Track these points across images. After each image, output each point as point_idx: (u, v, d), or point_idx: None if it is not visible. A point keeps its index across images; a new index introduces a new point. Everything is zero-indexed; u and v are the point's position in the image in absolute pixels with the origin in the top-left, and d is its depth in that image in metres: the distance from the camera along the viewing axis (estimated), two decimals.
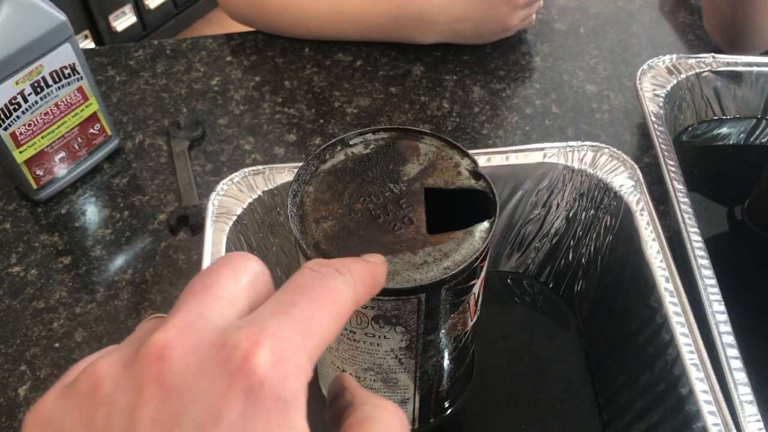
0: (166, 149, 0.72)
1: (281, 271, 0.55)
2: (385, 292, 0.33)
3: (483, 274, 0.39)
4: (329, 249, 0.35)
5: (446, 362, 0.43)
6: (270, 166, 0.49)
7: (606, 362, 0.52)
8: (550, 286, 0.59)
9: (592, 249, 0.54)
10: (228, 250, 0.47)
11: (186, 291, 0.20)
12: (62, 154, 0.66)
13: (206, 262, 0.46)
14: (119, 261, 0.61)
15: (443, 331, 0.39)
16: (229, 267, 0.21)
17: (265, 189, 0.49)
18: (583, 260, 0.55)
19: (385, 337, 0.37)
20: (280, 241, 0.52)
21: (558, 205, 0.55)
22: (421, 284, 0.33)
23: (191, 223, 0.62)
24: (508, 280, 0.60)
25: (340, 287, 0.22)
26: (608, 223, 0.52)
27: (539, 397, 0.53)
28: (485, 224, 0.37)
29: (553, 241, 0.57)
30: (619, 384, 0.49)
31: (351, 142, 0.40)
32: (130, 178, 0.70)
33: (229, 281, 0.21)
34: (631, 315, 0.48)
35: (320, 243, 0.35)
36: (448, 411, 0.48)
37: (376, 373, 0.41)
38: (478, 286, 0.39)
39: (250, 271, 0.22)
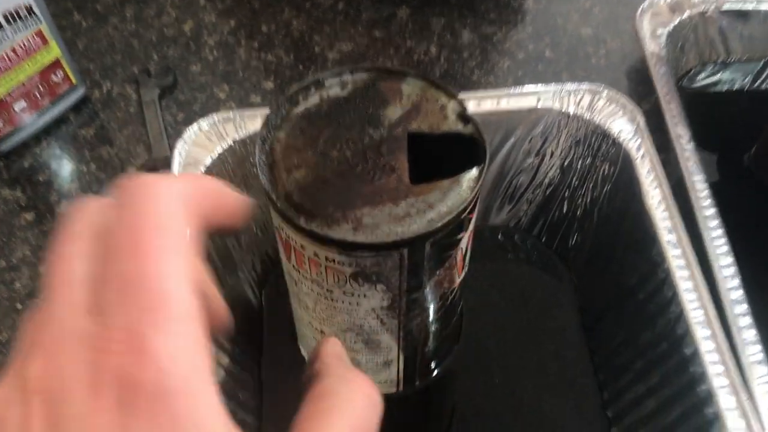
0: (136, 98, 0.68)
1: (256, 226, 0.51)
2: (364, 247, 0.30)
3: (471, 227, 0.36)
4: (302, 201, 0.31)
5: (432, 321, 0.41)
6: (241, 111, 0.45)
7: (603, 320, 0.49)
8: (543, 239, 0.56)
9: (588, 200, 0.52)
10: None
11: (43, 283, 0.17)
12: (23, 103, 0.62)
13: None
14: None
15: (428, 288, 0.36)
16: (69, 232, 0.18)
17: (237, 138, 0.46)
18: (578, 212, 0.53)
19: (364, 296, 0.35)
20: (254, 195, 0.47)
21: (552, 153, 0.52)
22: (402, 238, 0.31)
23: None
24: (499, 235, 0.57)
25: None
26: (606, 172, 0.50)
27: (532, 357, 0.51)
28: (473, 172, 0.34)
29: (547, 192, 0.55)
30: (617, 343, 0.47)
31: (326, 83, 0.36)
32: (98, 129, 0.67)
33: (74, 257, 0.17)
34: (630, 270, 0.45)
35: (292, 194, 0.32)
36: (435, 372, 0.45)
37: (356, 334, 0.39)
38: (465, 240, 0.36)
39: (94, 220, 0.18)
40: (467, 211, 0.33)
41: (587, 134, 0.49)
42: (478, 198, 0.35)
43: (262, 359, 0.52)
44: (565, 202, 0.53)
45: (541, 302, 0.55)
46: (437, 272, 0.36)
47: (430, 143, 0.35)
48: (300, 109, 0.35)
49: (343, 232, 0.31)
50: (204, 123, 0.45)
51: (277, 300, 0.54)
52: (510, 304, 0.55)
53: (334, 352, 0.25)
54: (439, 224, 0.31)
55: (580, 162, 0.51)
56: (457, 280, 0.39)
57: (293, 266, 0.35)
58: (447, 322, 0.43)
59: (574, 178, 0.52)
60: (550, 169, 0.52)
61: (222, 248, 0.49)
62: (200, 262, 0.19)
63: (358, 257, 0.32)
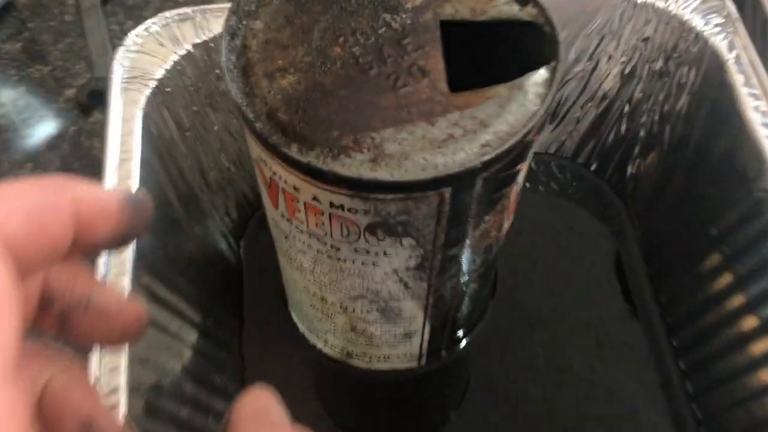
0: (73, 3, 0.62)
1: (227, 160, 0.43)
2: (387, 186, 0.23)
3: (532, 153, 0.30)
4: (293, 120, 0.24)
5: (470, 281, 0.34)
6: (202, 7, 0.40)
7: (676, 273, 0.41)
8: (593, 168, 0.48)
9: (656, 117, 0.46)
10: (145, 130, 0.35)
11: None
12: None
13: (112, 156, 0.33)
14: (16, 152, 0.53)
15: (471, 240, 0.30)
16: None
17: (197, 41, 0.40)
18: (641, 132, 0.47)
19: (384, 254, 0.28)
20: (224, 118, 0.44)
21: (610, 56, 0.46)
22: (446, 173, 0.23)
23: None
24: (533, 163, 0.49)
25: None
26: (684, 79, 0.43)
27: (579, 318, 0.43)
28: (542, 73, 0.26)
29: (600, 108, 0.48)
30: (697, 303, 0.39)
31: None
32: (26, 42, 0.60)
33: None
34: (719, 209, 0.37)
35: (277, 111, 0.25)
36: (464, 341, 0.40)
37: (370, 302, 0.32)
38: (524, 171, 0.29)
39: None
40: (533, 130, 0.26)
41: (659, 28, 0.43)
42: (550, 111, 0.26)
43: (243, 331, 0.47)
44: (624, 120, 0.48)
45: (589, 249, 0.49)
46: (485, 218, 0.29)
47: (474, 35, 0.28)
48: None
49: (356, 165, 0.24)
50: (154, 24, 0.40)
51: (260, 254, 0.48)
52: (549, 252, 0.47)
53: (252, 410, 0.20)
54: (498, 151, 0.24)
55: (647, 67, 0.45)
56: (506, 226, 0.33)
57: (282, 215, 0.29)
58: (486, 280, 0.37)
59: (638, 88, 0.46)
60: (606, 76, 0.46)
61: (185, 189, 0.40)
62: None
63: (378, 202, 0.25)
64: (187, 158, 0.41)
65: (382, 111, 0.25)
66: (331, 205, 0.25)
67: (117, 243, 0.19)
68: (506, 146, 0.24)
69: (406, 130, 0.24)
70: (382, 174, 0.23)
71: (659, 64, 0.44)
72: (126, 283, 0.33)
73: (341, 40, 0.27)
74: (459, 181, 0.24)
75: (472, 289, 0.36)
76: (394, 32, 0.27)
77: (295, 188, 0.25)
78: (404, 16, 0.28)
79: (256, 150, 0.26)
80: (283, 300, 0.40)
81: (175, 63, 0.40)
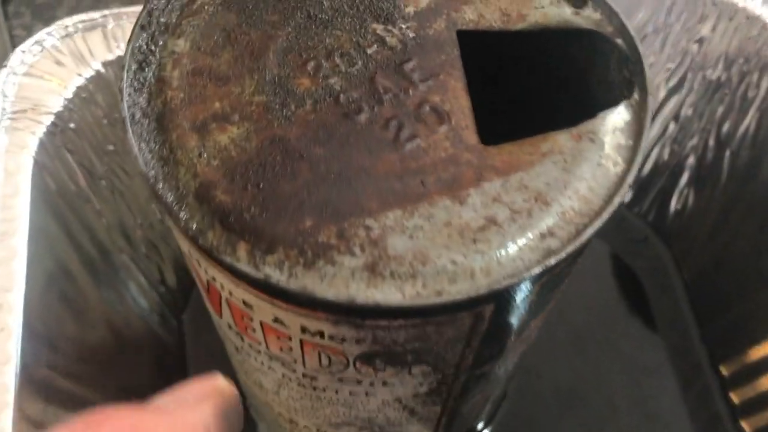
0: None
1: (161, 210, 0.36)
2: (394, 312, 0.17)
3: None
4: (237, 201, 0.17)
5: (495, 389, 0.29)
6: (116, 11, 0.34)
7: (728, 330, 0.38)
8: (625, 202, 0.44)
9: (711, 140, 0.40)
10: (38, 187, 0.30)
11: None
12: None
13: None
14: None
15: (508, 352, 0.24)
16: None
17: (109, 57, 0.34)
18: (690, 159, 0.41)
19: (384, 384, 0.22)
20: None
21: (652, 61, 0.39)
22: (489, 289, 0.16)
23: None
24: None
25: None
26: (751, 91, 0.37)
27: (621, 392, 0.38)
28: (621, 112, 0.19)
29: None
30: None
31: None
32: None
33: None
34: None
35: (214, 186, 0.18)
36: None
37: (359, 428, 0.26)
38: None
39: None
40: (619, 204, 0.19)
41: (718, 26, 0.37)
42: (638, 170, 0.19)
43: None
44: (667, 143, 0.42)
45: (626, 303, 0.42)
46: (530, 324, 0.23)
47: (511, 52, 0.22)
48: None
49: (343, 279, 0.17)
50: (49, 35, 0.33)
51: (208, 332, 0.38)
52: (581, 309, 0.42)
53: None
54: (571, 248, 0.17)
55: (700, 75, 0.39)
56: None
57: (228, 326, 0.22)
58: (509, 381, 0.33)
59: (687, 103, 0.40)
60: None
61: (97, 257, 0.35)
62: None
63: (379, 330, 0.18)
64: (101, 216, 0.33)
65: (381, 182, 0.18)
66: (304, 330, 0.18)
67: None
68: (583, 237, 0.16)
69: (420, 212, 0.17)
70: (387, 294, 0.16)
71: (717, 71, 0.39)
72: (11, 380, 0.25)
73: (311, 66, 0.19)
74: (507, 295, 0.17)
75: (496, 395, 0.30)
76: (390, 52, 0.20)
77: (246, 304, 0.18)
78: (404, 26, 0.20)
79: (183, 244, 0.18)
80: (241, 393, 0.32)
81: (80, 89, 0.34)
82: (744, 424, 0.39)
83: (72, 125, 0.35)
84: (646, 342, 0.42)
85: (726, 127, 0.39)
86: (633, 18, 0.38)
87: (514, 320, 0.19)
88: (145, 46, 0.20)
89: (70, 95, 0.34)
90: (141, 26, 0.19)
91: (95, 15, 0.35)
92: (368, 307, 0.16)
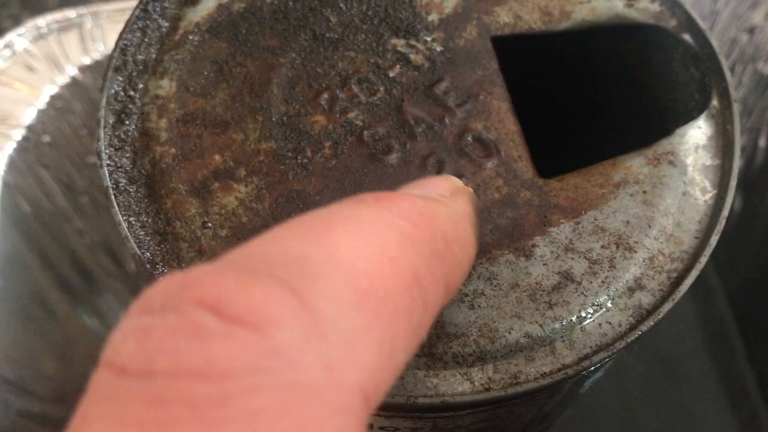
0: None
1: None
2: (461, 407, 0.14)
3: None
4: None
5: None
6: (94, 9, 0.33)
7: None
8: None
9: (760, 141, 0.37)
10: (7, 208, 0.30)
11: None
12: None
13: None
14: None
15: (574, 401, 0.22)
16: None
17: (87, 61, 0.33)
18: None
19: None
20: None
21: None
22: (578, 369, 0.14)
23: None
24: None
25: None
26: None
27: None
28: (701, 126, 0.17)
29: None
30: None
31: None
32: None
33: None
34: None
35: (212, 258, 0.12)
36: None
37: None
38: None
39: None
40: (715, 234, 0.16)
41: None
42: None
43: None
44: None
45: (673, 345, 0.38)
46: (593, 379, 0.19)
47: (558, 59, 0.20)
48: (202, 12, 0.16)
49: None
50: (20, 37, 0.33)
51: None
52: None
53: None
54: (668, 305, 0.15)
55: (750, 69, 0.37)
56: None
57: None
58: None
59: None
60: None
61: (78, 280, 0.35)
62: None
63: (440, 419, 0.16)
64: (82, 235, 0.31)
65: None
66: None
67: None
68: (681, 289, 0.14)
69: (478, 273, 0.15)
70: (452, 384, 0.14)
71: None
72: None
73: (324, 98, 0.17)
74: (588, 369, 0.14)
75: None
76: (416, 72, 0.17)
77: None
78: (429, 39, 0.18)
79: None
80: None
81: (55, 97, 0.33)
82: None
83: (47, 138, 0.34)
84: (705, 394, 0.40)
85: None
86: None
87: (590, 382, 0.17)
88: (122, 93, 0.17)
89: (43, 105, 0.34)
90: (115, 68, 0.17)
91: (71, 13, 0.34)
92: (433, 406, 0.13)
